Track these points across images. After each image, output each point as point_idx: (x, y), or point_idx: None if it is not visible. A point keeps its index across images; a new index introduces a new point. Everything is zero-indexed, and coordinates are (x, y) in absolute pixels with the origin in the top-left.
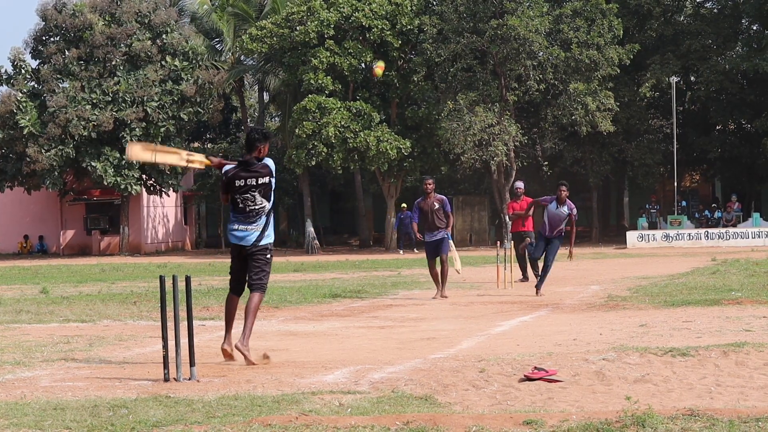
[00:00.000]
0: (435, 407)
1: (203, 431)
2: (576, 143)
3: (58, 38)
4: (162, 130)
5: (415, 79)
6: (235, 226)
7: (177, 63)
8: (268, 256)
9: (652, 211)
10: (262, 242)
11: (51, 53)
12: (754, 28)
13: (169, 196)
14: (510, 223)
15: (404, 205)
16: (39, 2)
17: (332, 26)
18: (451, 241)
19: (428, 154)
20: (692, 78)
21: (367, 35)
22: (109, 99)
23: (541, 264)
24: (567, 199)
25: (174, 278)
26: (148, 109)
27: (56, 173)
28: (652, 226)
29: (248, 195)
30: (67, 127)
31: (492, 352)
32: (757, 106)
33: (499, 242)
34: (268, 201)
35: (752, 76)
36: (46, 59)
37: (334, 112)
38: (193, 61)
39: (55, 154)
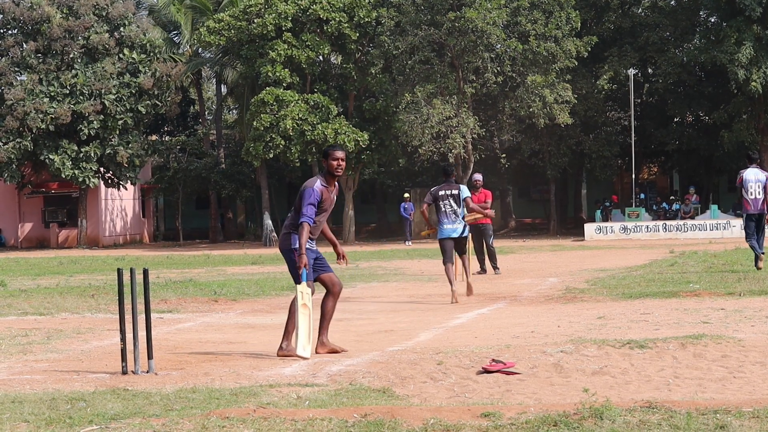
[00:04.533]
0: (393, 400)
1: (161, 424)
2: (534, 135)
3: (15, 31)
4: (120, 122)
5: (373, 71)
6: (446, 225)
7: (135, 56)
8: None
9: (606, 204)
10: (465, 233)
11: (8, 46)
12: (712, 20)
13: (126, 189)
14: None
15: (407, 194)
16: None
17: (290, 19)
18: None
19: (386, 146)
20: (650, 70)
21: (325, 28)
22: (67, 92)
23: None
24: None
25: (132, 271)
26: (106, 102)
27: (14, 166)
28: (607, 218)
29: (447, 202)
30: (24, 120)
31: (450, 344)
32: (714, 98)
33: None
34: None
35: (710, 68)
36: (3, 52)
37: (292, 104)
38: (151, 54)
39: (12, 146)
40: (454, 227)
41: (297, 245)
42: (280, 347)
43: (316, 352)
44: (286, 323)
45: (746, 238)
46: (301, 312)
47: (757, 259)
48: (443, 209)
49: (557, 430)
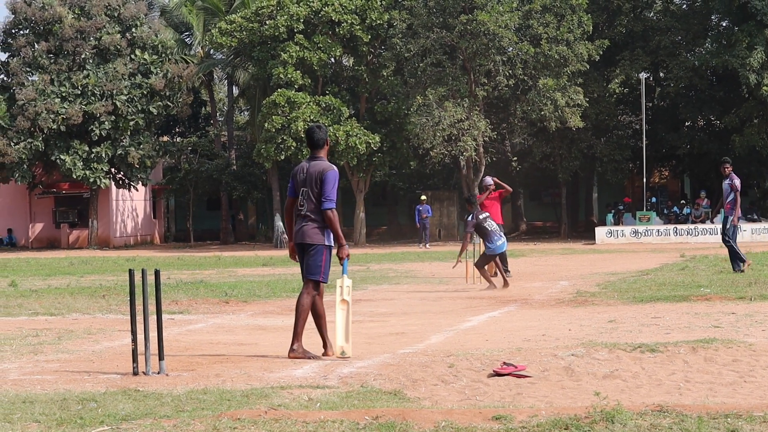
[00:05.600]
0: (404, 402)
1: (172, 425)
2: (545, 139)
3: (27, 31)
4: (131, 123)
5: (385, 74)
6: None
7: (146, 56)
8: None
9: (619, 207)
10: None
11: (20, 46)
12: (724, 24)
13: (137, 189)
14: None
15: (424, 197)
16: None
17: (302, 21)
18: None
19: (397, 148)
20: (661, 74)
21: (337, 30)
22: (79, 92)
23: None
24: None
25: (143, 272)
26: (118, 103)
27: (25, 166)
28: (619, 221)
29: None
30: (36, 120)
31: (461, 347)
32: (726, 102)
33: (468, 237)
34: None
35: (721, 72)
36: (15, 52)
37: (304, 106)
38: (163, 55)
39: (24, 147)
40: (504, 240)
41: (331, 241)
42: (291, 349)
43: (326, 355)
44: (294, 325)
45: (735, 242)
46: (339, 308)
47: (743, 263)
48: (490, 229)
49: None
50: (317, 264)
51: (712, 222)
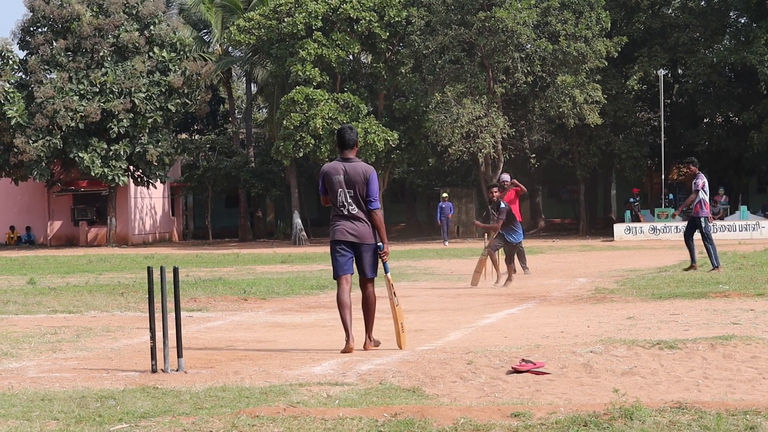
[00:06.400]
0: (423, 399)
1: (191, 422)
2: (563, 136)
3: (45, 29)
4: (149, 121)
5: (403, 71)
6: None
7: (165, 54)
8: None
9: (634, 203)
10: None
11: (38, 44)
12: (742, 21)
13: (156, 187)
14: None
15: (445, 194)
16: None
17: (320, 18)
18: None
19: (416, 146)
20: (680, 71)
21: (355, 27)
22: (97, 90)
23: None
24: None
25: (162, 269)
26: (136, 100)
27: (43, 164)
28: (636, 219)
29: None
30: (54, 118)
31: (480, 344)
32: (744, 99)
33: (486, 234)
34: None
35: (740, 69)
36: (33, 50)
37: (322, 103)
38: (181, 53)
39: (42, 144)
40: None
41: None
42: (371, 339)
43: (345, 351)
44: (366, 320)
45: (712, 242)
46: (394, 308)
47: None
48: (515, 219)
49: (587, 431)
50: (376, 262)
51: (673, 217)
